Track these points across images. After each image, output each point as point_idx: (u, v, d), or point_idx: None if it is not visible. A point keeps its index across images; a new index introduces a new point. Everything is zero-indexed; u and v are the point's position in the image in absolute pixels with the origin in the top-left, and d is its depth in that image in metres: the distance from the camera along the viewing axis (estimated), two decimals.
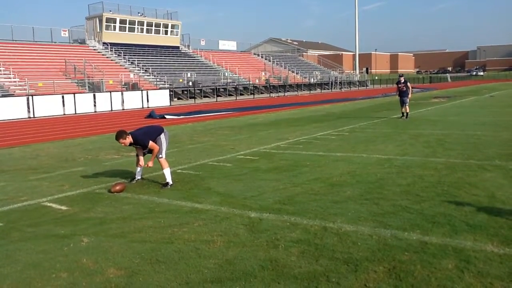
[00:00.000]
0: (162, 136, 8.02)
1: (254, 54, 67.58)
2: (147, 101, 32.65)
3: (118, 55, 44.51)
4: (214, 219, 5.87)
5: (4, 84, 30.87)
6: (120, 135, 7.59)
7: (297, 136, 13.96)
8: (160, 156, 7.83)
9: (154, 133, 7.99)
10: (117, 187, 7.47)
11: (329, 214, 5.94)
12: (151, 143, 7.71)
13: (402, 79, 19.18)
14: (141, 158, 8.00)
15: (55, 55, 38.91)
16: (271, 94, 47.21)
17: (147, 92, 33.35)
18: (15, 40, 39.45)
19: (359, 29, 68.93)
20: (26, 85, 30.47)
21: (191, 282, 4.08)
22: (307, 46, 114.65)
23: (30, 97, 26.33)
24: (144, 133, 7.87)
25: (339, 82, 60.77)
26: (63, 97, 27.76)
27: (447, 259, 4.40)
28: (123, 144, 7.65)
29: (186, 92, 41.21)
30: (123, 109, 30.52)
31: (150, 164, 7.80)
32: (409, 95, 18.84)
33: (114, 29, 47.38)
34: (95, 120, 23.03)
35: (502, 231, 5.11)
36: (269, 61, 62.77)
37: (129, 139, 7.60)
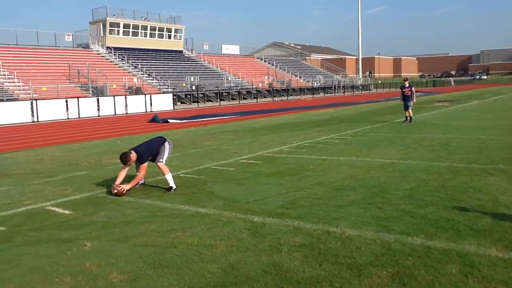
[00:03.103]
0: (166, 144, 8.05)
1: (257, 58, 67.67)
2: (151, 105, 32.74)
3: (122, 59, 44.67)
4: (217, 224, 5.86)
5: (8, 88, 31.01)
6: (125, 158, 7.53)
7: (300, 140, 13.95)
8: (161, 160, 7.82)
9: (156, 145, 8.01)
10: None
11: (332, 218, 5.92)
12: (143, 165, 7.64)
13: (407, 84, 19.15)
14: (123, 175, 7.69)
15: (59, 60, 39.08)
16: (274, 98, 47.24)
17: (150, 96, 33.45)
18: (19, 45, 39.66)
19: (362, 33, 68.93)
20: (30, 89, 30.60)
21: (194, 287, 4.07)
22: (310, 50, 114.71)
23: (34, 101, 26.45)
24: (145, 149, 7.83)
25: (342, 86, 60.76)
26: (66, 101, 27.88)
27: (451, 264, 4.38)
28: (130, 162, 7.63)
29: (189, 96, 41.28)
30: (127, 113, 30.60)
31: (126, 188, 7.51)
32: (414, 100, 18.82)
33: (118, 33, 47.58)
34: (98, 124, 23.09)
35: (507, 235, 5.09)
36: (272, 65, 62.88)
37: (134, 156, 7.58)
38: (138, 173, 7.70)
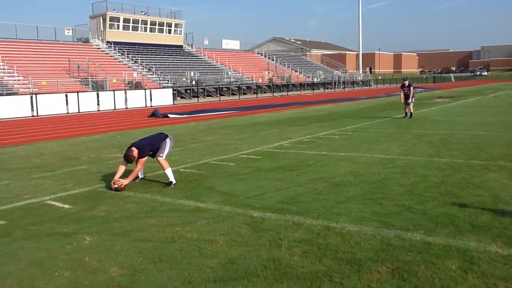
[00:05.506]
0: (168, 140, 8.05)
1: (257, 53, 67.53)
2: (151, 100, 32.68)
3: (122, 54, 44.56)
4: (217, 218, 5.86)
5: (8, 82, 30.95)
6: (129, 158, 7.51)
7: (300, 136, 13.94)
8: (161, 155, 7.81)
9: (158, 140, 8.01)
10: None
11: (332, 214, 5.92)
12: (142, 159, 7.65)
13: (407, 83, 19.05)
14: (123, 170, 7.66)
15: (59, 54, 38.98)
16: (274, 93, 47.18)
17: (150, 91, 33.38)
18: (19, 39, 39.54)
19: (363, 28, 68.80)
20: (29, 84, 30.53)
21: (193, 281, 4.07)
22: (311, 45, 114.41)
23: (34, 96, 26.39)
24: (147, 144, 7.85)
25: (342, 82, 60.68)
26: (66, 95, 27.81)
27: (451, 259, 4.38)
28: (135, 159, 7.64)
29: (189, 91, 41.22)
30: (127, 108, 30.55)
31: (125, 182, 7.48)
32: (412, 99, 18.69)
33: (118, 28, 47.41)
34: (98, 119, 23.06)
35: (506, 231, 5.09)
36: (272, 60, 62.74)
37: (135, 152, 7.56)
38: (136, 167, 7.69)
